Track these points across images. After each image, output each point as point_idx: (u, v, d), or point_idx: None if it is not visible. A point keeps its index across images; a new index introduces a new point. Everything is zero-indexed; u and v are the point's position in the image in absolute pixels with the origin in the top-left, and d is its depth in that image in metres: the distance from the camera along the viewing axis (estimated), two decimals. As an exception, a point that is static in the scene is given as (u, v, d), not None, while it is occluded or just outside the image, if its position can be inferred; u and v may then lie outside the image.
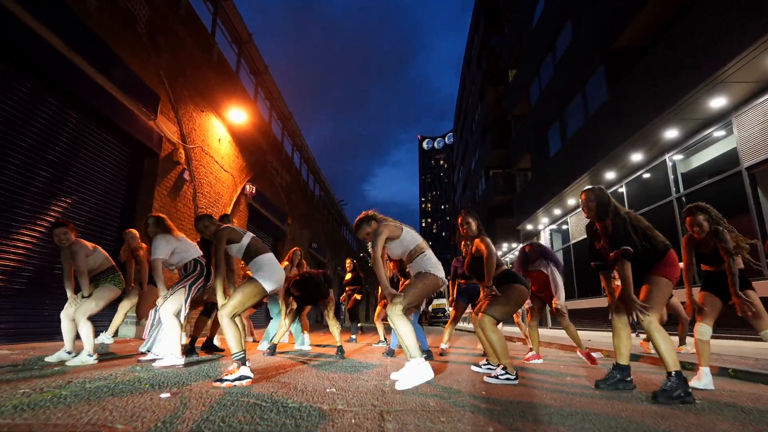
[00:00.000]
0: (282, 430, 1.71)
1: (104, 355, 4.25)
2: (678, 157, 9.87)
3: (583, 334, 12.01)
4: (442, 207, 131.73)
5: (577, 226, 14.98)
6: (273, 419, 1.90)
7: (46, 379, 2.79)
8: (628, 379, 3.01)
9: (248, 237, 3.30)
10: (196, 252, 4.02)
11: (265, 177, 12.68)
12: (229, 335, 2.88)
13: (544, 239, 17.71)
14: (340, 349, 4.82)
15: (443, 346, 5.81)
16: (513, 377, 3.19)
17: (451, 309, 6.19)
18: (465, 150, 36.94)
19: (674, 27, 8.73)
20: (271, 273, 3.10)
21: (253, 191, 11.09)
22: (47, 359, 3.51)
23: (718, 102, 8.01)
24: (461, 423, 1.92)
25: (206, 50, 9.10)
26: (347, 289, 8.74)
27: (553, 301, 4.76)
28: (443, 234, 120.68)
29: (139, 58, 6.73)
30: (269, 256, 3.21)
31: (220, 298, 3.11)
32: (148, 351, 4.12)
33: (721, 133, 8.62)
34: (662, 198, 10.24)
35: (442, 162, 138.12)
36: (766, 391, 3.08)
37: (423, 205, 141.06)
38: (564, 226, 16.29)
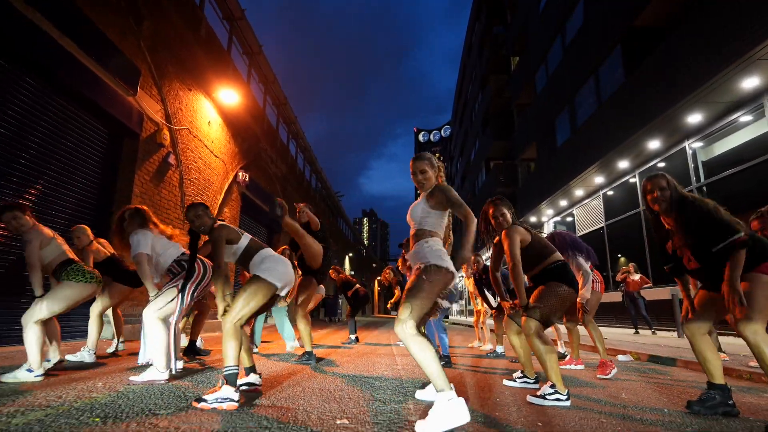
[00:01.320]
0: None
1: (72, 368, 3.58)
2: (698, 144, 9.28)
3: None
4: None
5: (584, 217, 14.42)
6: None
7: (-32, 407, 2.13)
8: (730, 402, 2.39)
9: (246, 238, 2.74)
10: (176, 252, 3.33)
11: (259, 165, 11.95)
12: (227, 345, 2.33)
13: (547, 232, 17.16)
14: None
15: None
16: (564, 397, 2.57)
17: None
18: (464, 141, 36.24)
19: (703, 2, 8.07)
20: (275, 266, 2.56)
21: (247, 179, 10.38)
22: (3, 378, 2.81)
23: (750, 82, 7.40)
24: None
25: (194, 24, 8.33)
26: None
27: (579, 294, 4.12)
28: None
29: (116, 24, 5.98)
30: (269, 250, 2.66)
31: (220, 304, 2.47)
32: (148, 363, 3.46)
33: (748, 117, 8.04)
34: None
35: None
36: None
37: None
38: (569, 218, 15.74)
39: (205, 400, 2.19)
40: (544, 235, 3.48)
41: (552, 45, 15.43)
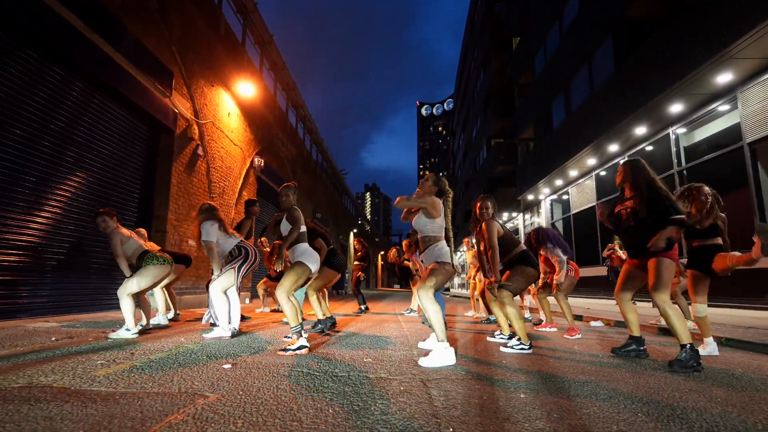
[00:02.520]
0: (345, 398, 2.01)
1: (146, 331, 4.56)
2: (681, 130, 10.00)
3: (583, 302, 12.53)
4: (441, 174, 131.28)
5: (578, 196, 15.24)
6: (332, 387, 2.20)
7: (111, 351, 3.10)
8: (642, 348, 3.35)
9: (304, 227, 3.67)
10: (233, 242, 4.24)
11: (272, 150, 12.76)
12: (287, 311, 3.28)
13: (544, 209, 18.02)
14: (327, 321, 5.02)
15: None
16: (527, 347, 3.52)
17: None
18: (466, 118, 36.63)
19: (686, 2, 8.67)
20: (312, 256, 3.50)
21: (262, 164, 11.22)
22: (111, 336, 3.77)
23: (724, 77, 8.10)
24: (496, 389, 2.23)
25: (214, 23, 9.01)
26: (357, 263, 9.06)
27: (555, 277, 5.08)
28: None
29: (152, 35, 6.73)
30: (306, 245, 3.59)
31: (279, 266, 3.42)
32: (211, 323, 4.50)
33: (725, 107, 8.74)
34: (665, 171, 10.45)
35: (441, 129, 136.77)
36: (754, 359, 3.42)
37: (421, 173, 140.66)
38: (565, 197, 16.54)
39: (286, 350, 3.17)
40: (531, 229, 4.45)
41: (551, 29, 15.88)
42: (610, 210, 3.65)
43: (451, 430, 1.59)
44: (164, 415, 1.68)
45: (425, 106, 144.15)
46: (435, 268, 3.06)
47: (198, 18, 8.22)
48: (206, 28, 8.58)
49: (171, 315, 5.47)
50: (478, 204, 4.07)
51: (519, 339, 3.56)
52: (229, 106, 9.69)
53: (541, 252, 5.20)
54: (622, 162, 3.59)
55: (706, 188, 3.80)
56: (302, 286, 4.15)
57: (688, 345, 2.97)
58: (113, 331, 3.91)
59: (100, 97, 5.97)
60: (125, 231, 4.14)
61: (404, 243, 7.40)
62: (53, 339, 3.56)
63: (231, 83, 9.64)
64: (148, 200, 7.00)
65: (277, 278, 7.71)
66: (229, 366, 2.65)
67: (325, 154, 22.88)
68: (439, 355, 2.85)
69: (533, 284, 5.80)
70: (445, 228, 3.25)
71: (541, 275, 5.19)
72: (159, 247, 4.45)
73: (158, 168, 7.21)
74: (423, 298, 2.96)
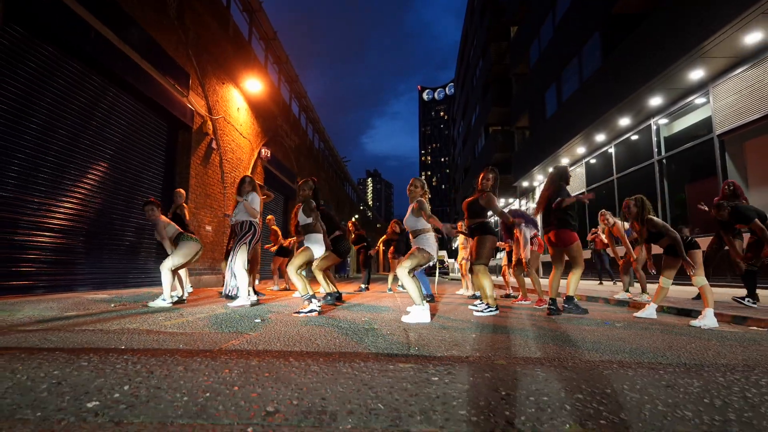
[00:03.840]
0: (347, 336, 2.83)
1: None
2: (663, 121, 10.69)
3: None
4: (442, 159, 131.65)
5: (570, 184, 15.96)
6: (338, 331, 3.03)
7: (163, 313, 3.94)
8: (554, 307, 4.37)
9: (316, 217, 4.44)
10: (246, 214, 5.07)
11: (277, 140, 13.51)
12: (297, 283, 4.10)
13: (538, 195, 18.74)
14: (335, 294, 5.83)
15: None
16: (494, 310, 4.36)
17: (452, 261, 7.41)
18: (466, 104, 37.11)
19: (663, 1, 9.29)
20: (318, 243, 4.30)
21: (268, 155, 11.99)
22: (150, 304, 4.59)
23: (697, 74, 8.77)
24: (456, 333, 3.06)
25: (223, 24, 9.68)
26: (356, 247, 9.88)
27: (521, 254, 5.90)
28: (443, 187, 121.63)
29: (171, 41, 7.45)
30: (318, 235, 4.39)
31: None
32: (228, 295, 5.30)
33: (700, 101, 9.41)
34: (646, 160, 11.17)
35: (442, 113, 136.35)
36: (678, 321, 4.25)
37: (423, 158, 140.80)
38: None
39: (299, 312, 3.98)
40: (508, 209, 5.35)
41: (545, 21, 16.40)
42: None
43: (417, 348, 2.42)
44: (226, 341, 2.52)
45: (427, 90, 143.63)
46: (414, 253, 3.86)
47: (210, 21, 8.91)
48: (217, 29, 9.27)
49: (176, 293, 5.72)
50: (482, 174, 4.82)
51: (488, 304, 4.39)
52: (238, 102, 10.43)
53: (516, 232, 6.02)
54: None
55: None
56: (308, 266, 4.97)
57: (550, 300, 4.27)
58: (152, 301, 4.71)
59: (128, 99, 6.76)
60: (165, 218, 4.95)
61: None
62: (112, 305, 4.41)
63: (239, 80, 10.35)
64: (169, 189, 7.81)
65: (280, 253, 8.55)
66: (259, 320, 3.49)
67: (327, 143, 23.58)
68: (417, 313, 3.67)
69: (509, 265, 6.67)
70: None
71: (514, 253, 6.02)
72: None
73: (178, 161, 8.01)
74: (400, 274, 3.77)
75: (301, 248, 4.35)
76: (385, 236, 9.58)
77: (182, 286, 5.22)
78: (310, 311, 3.94)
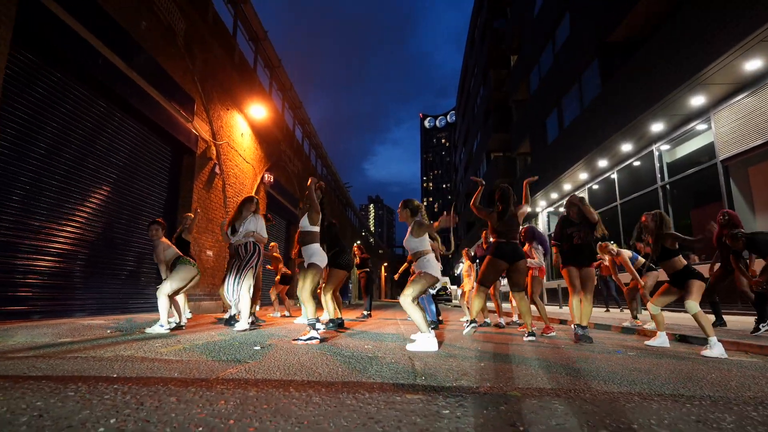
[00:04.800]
0: (350, 365, 2.71)
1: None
2: (665, 147, 10.71)
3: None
4: (444, 186, 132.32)
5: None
6: (340, 359, 2.90)
7: (160, 339, 3.81)
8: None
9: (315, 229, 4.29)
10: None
11: (280, 165, 13.58)
12: (308, 307, 3.95)
13: (541, 221, 18.67)
14: (335, 321, 5.67)
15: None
16: (475, 324, 4.50)
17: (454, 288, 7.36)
18: (467, 131, 37.53)
19: (662, 28, 9.46)
20: (321, 255, 4.16)
21: (271, 180, 12.02)
22: (147, 330, 4.45)
23: (698, 100, 8.82)
24: (464, 361, 2.92)
25: (229, 51, 9.89)
26: (358, 271, 9.76)
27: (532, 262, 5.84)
28: (444, 213, 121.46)
29: (178, 67, 7.58)
30: (318, 246, 4.23)
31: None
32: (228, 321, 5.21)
33: (702, 127, 9.44)
34: (649, 185, 11.13)
35: (444, 141, 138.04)
36: (691, 349, 4.09)
37: (424, 184, 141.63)
38: (561, 209, 17.21)
39: (299, 339, 3.82)
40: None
41: (544, 49, 16.73)
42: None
43: (424, 377, 2.30)
44: (223, 369, 2.40)
45: (428, 118, 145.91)
46: (415, 280, 3.76)
47: (216, 49, 9.09)
48: (223, 57, 9.45)
49: (174, 320, 5.26)
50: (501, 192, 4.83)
51: (474, 321, 4.49)
52: (242, 127, 10.53)
53: (527, 247, 6.01)
54: (569, 200, 4.69)
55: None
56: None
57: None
58: (149, 327, 4.55)
59: (133, 124, 6.81)
60: (166, 241, 4.88)
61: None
62: (108, 331, 4.28)
63: (244, 106, 10.48)
64: (172, 213, 7.77)
65: (281, 281, 8.44)
66: (258, 348, 3.36)
67: (330, 168, 23.72)
68: (423, 342, 3.53)
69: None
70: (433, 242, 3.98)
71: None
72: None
73: (181, 185, 8.00)
74: (403, 302, 3.66)
75: (307, 267, 4.06)
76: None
77: (179, 313, 5.08)
78: (311, 339, 3.79)
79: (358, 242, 9.87)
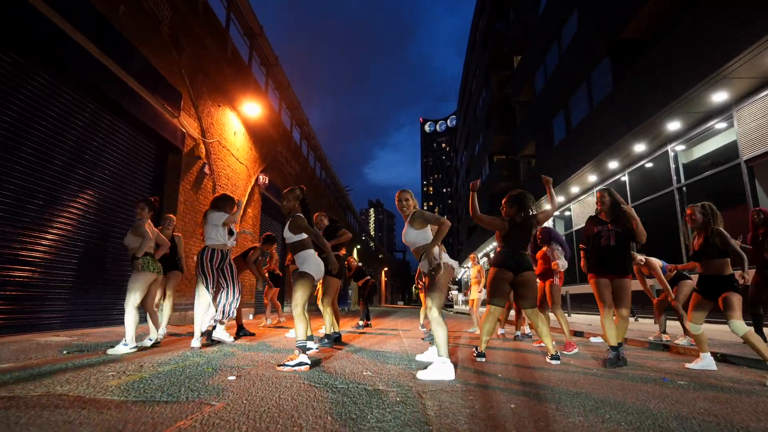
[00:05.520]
0: (344, 408, 2.11)
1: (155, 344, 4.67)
2: (680, 147, 10.14)
3: (585, 318, 12.49)
4: (444, 190, 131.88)
5: (580, 213, 15.33)
6: (331, 398, 2.30)
7: (120, 363, 3.22)
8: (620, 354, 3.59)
9: (302, 237, 3.68)
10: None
11: (276, 167, 13.01)
12: (298, 326, 3.36)
13: (546, 225, 18.06)
14: (331, 336, 5.07)
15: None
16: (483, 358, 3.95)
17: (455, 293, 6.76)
18: (468, 135, 37.02)
19: (679, 22, 8.92)
20: (314, 263, 3.57)
21: (266, 181, 11.44)
22: (109, 351, 3.83)
23: (720, 96, 8.25)
24: (488, 400, 2.33)
25: (222, 46, 9.34)
26: (359, 282, 9.19)
27: (552, 264, 5.23)
28: (445, 216, 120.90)
29: (163, 58, 7.01)
30: (308, 251, 3.64)
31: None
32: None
33: (722, 125, 8.88)
34: (664, 188, 10.56)
35: (444, 145, 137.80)
36: (745, 374, 3.49)
37: (425, 188, 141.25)
38: (567, 213, 16.63)
39: (285, 365, 3.16)
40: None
41: (550, 48, 16.22)
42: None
43: (441, 435, 1.70)
44: (174, 420, 1.80)
45: (428, 122, 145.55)
46: (433, 287, 3.15)
47: (207, 41, 8.54)
48: (214, 51, 8.90)
49: (152, 339, 4.42)
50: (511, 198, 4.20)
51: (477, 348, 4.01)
52: (235, 126, 9.96)
53: (543, 249, 5.44)
54: (599, 189, 4.00)
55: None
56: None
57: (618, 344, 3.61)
58: (111, 348, 3.88)
59: (110, 117, 6.20)
60: (150, 226, 4.26)
61: None
62: (64, 352, 3.69)
63: (237, 103, 9.92)
64: (156, 217, 7.17)
65: (272, 281, 7.86)
66: (233, 378, 2.76)
67: (329, 171, 23.16)
68: (438, 369, 2.94)
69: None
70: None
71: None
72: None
73: (166, 186, 7.42)
74: (432, 318, 3.08)
75: (298, 278, 3.52)
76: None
77: (156, 325, 4.47)
78: (299, 364, 3.17)
79: (360, 252, 9.30)
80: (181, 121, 7.45)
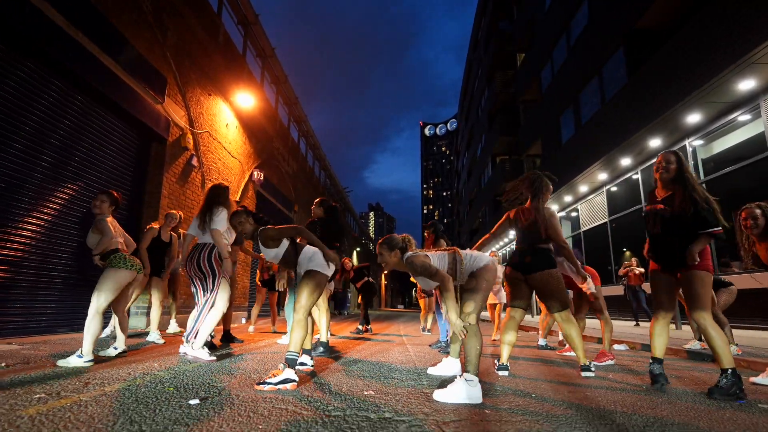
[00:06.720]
0: (337, 450, 1.49)
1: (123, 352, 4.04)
2: (699, 142, 9.56)
3: (597, 323, 11.87)
4: (444, 194, 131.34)
5: (588, 213, 14.73)
6: (323, 429, 1.69)
7: (62, 380, 2.59)
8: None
9: (285, 244, 3.03)
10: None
11: (272, 164, 12.41)
12: (296, 334, 2.74)
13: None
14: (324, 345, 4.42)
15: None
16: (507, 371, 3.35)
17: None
18: (470, 136, 36.46)
19: (703, 8, 8.35)
20: (321, 259, 2.96)
21: (261, 178, 10.83)
22: (60, 363, 3.19)
23: (746, 84, 7.68)
24: (519, 428, 1.71)
25: (212, 31, 8.75)
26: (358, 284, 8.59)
27: (583, 287, 4.50)
28: (445, 221, 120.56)
29: (144, 38, 6.42)
30: (311, 247, 3.06)
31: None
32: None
33: (746, 117, 8.31)
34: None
35: (444, 148, 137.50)
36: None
37: (425, 192, 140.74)
38: (574, 213, 16.04)
39: (267, 383, 2.50)
40: None
41: (557, 43, 15.67)
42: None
43: None
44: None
45: (428, 126, 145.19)
46: (473, 287, 2.59)
47: (195, 25, 7.95)
48: (204, 36, 8.31)
49: (118, 348, 3.74)
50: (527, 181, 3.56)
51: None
52: (228, 117, 9.36)
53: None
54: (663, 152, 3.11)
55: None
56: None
57: (730, 370, 2.57)
58: (62, 359, 3.24)
59: (83, 99, 5.57)
60: (113, 222, 3.67)
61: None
62: (3, 365, 3.06)
63: (230, 94, 9.33)
64: (136, 212, 6.57)
65: (267, 285, 7.25)
66: (195, 402, 2.13)
67: (328, 171, 22.56)
68: (462, 389, 2.29)
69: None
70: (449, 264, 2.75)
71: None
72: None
73: (148, 178, 6.80)
74: (470, 330, 2.46)
75: (305, 277, 2.89)
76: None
77: (124, 333, 3.81)
78: (284, 382, 2.52)
79: (360, 254, 8.70)
80: (166, 107, 6.84)
